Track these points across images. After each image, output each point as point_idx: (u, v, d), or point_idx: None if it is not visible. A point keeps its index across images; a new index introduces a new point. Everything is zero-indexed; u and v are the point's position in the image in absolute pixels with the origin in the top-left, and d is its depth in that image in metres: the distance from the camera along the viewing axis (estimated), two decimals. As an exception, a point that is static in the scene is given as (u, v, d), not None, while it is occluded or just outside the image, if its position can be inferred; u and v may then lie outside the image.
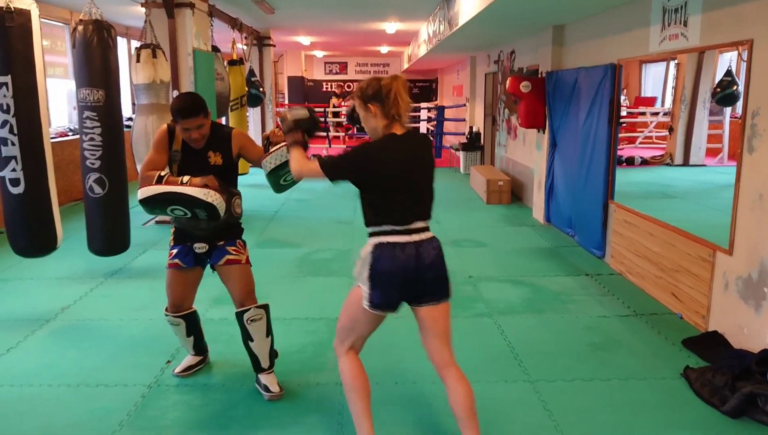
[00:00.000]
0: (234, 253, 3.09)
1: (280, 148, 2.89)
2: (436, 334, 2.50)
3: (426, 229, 2.47)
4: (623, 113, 8.87)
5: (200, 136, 2.97)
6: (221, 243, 3.08)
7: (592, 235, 5.81)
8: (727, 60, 6.56)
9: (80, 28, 4.60)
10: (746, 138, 3.58)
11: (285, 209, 8.22)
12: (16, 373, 3.42)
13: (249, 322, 3.08)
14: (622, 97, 8.58)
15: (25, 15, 3.93)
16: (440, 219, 7.49)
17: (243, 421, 2.95)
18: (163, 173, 2.93)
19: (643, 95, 9.36)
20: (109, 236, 4.89)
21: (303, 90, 20.24)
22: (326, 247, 6.17)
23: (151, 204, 2.89)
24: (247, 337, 3.12)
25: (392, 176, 2.39)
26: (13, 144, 3.97)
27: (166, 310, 3.25)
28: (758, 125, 3.49)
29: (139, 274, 5.28)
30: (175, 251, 3.11)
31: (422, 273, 2.41)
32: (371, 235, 2.46)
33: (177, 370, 3.40)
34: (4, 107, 3.93)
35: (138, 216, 7.23)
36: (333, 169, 2.43)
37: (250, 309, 3.08)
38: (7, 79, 3.90)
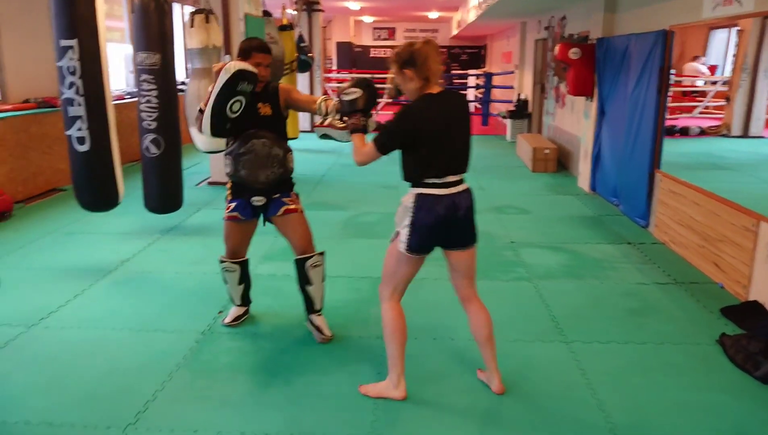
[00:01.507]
0: (290, 202, 3.30)
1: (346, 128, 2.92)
2: (463, 274, 2.81)
3: (461, 181, 2.68)
4: (700, 83, 8.63)
5: (266, 74, 3.15)
6: (277, 195, 3.27)
7: (636, 204, 5.79)
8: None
9: (139, -7, 4.79)
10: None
11: (331, 173, 8.39)
12: (82, 317, 3.72)
13: (312, 267, 3.29)
14: (699, 66, 8.32)
15: (89, -18, 4.13)
16: (484, 185, 7.54)
17: (290, 366, 3.15)
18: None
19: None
20: (165, 195, 5.14)
21: (351, 56, 20.25)
22: (371, 210, 6.32)
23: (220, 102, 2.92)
24: (305, 281, 3.33)
25: (432, 133, 2.58)
26: (79, 104, 4.22)
27: (224, 257, 3.48)
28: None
29: (192, 231, 5.54)
30: (233, 205, 3.30)
31: (454, 223, 2.65)
32: (413, 186, 2.65)
33: (226, 320, 3.62)
34: (71, 69, 4.16)
35: (192, 176, 7.52)
36: (386, 145, 2.62)
37: (313, 256, 3.30)
38: (74, 42, 4.13)
